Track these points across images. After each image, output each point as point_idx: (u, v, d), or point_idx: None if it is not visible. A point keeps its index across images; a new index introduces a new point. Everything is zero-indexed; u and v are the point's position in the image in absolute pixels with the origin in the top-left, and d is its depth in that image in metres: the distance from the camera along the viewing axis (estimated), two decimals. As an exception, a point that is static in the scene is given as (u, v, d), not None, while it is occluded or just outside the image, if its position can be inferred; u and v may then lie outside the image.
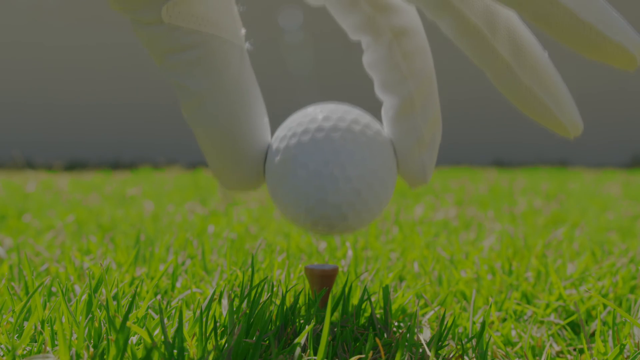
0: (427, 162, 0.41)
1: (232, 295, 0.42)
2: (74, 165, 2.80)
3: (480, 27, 0.34)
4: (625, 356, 0.40)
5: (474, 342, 0.40)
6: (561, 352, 0.44)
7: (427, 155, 0.41)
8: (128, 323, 0.33)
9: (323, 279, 0.43)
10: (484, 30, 0.34)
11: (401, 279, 0.59)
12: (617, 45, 0.31)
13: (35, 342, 0.38)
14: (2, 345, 0.36)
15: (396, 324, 0.44)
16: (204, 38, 0.37)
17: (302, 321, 0.41)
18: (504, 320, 0.49)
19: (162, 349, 0.33)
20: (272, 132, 0.43)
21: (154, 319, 0.41)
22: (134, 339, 0.37)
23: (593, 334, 0.46)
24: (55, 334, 0.37)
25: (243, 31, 0.40)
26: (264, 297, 0.41)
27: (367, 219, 0.41)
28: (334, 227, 0.41)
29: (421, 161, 0.41)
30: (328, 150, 0.40)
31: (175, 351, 0.33)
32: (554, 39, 0.31)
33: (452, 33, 0.34)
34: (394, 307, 0.46)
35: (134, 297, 0.38)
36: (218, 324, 0.39)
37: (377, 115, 0.43)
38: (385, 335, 0.40)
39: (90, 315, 0.38)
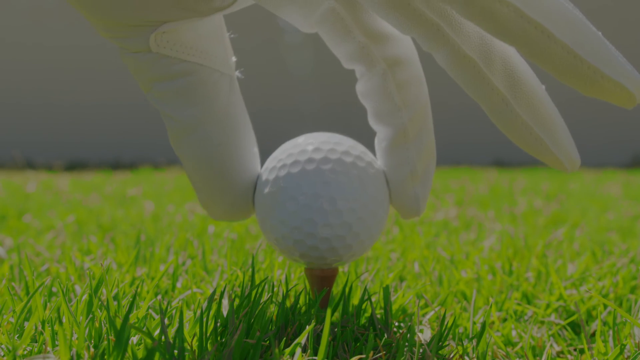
0: (421, 193, 0.41)
1: (233, 296, 0.42)
2: (74, 166, 2.80)
3: (476, 60, 0.33)
4: (625, 356, 0.40)
5: (474, 342, 0.40)
6: (562, 352, 0.44)
7: (420, 187, 0.41)
8: (128, 323, 0.33)
9: (323, 279, 0.42)
10: (479, 64, 0.33)
11: (401, 279, 0.59)
12: (615, 83, 0.30)
13: (36, 342, 0.38)
14: (3, 346, 0.36)
15: (396, 324, 0.44)
16: (192, 67, 0.37)
17: (302, 321, 0.41)
18: (505, 320, 0.49)
19: (163, 349, 0.33)
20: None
21: (154, 319, 0.41)
22: (134, 339, 0.37)
23: (593, 334, 0.46)
24: (56, 334, 0.37)
25: (233, 59, 0.39)
26: (265, 297, 0.41)
27: (359, 252, 0.41)
28: (324, 260, 0.41)
29: (414, 193, 0.41)
30: (318, 183, 0.39)
31: (175, 351, 0.33)
32: (551, 75, 0.31)
33: (447, 65, 0.33)
34: (395, 307, 0.46)
35: (134, 297, 0.38)
36: (218, 324, 0.39)
37: (373, 136, 0.42)
38: (386, 336, 0.40)
39: (90, 316, 0.38)
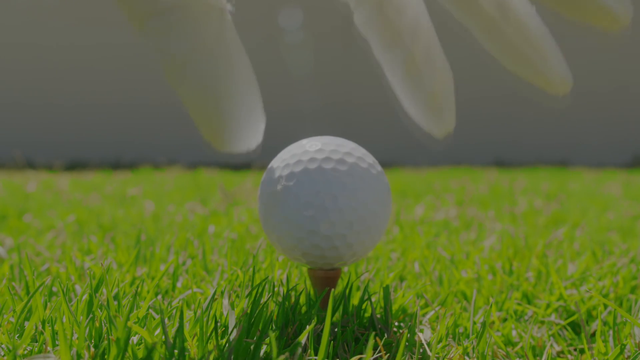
0: (446, 109, 0.40)
1: (233, 295, 0.42)
2: (74, 165, 2.80)
3: None
4: (625, 356, 0.40)
5: (474, 342, 0.40)
6: (562, 352, 0.44)
7: (445, 104, 0.40)
8: (129, 323, 0.33)
9: (325, 280, 0.43)
10: None
11: (402, 279, 0.59)
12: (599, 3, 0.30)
13: (36, 342, 0.38)
14: (3, 345, 0.36)
15: (397, 324, 0.44)
16: (180, 1, 0.37)
17: (302, 321, 0.41)
18: (505, 320, 0.49)
19: (163, 349, 0.33)
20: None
21: (154, 319, 0.41)
22: (134, 339, 0.37)
23: (594, 334, 0.46)
24: (56, 333, 0.37)
25: None
26: (265, 297, 0.41)
27: (360, 252, 0.41)
28: (326, 259, 0.41)
29: (439, 110, 0.40)
30: (320, 181, 0.40)
31: (176, 351, 0.33)
32: None
33: None
34: (395, 307, 0.46)
35: (134, 297, 0.38)
36: (219, 324, 0.39)
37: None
38: (386, 336, 0.40)
39: (91, 315, 0.38)
